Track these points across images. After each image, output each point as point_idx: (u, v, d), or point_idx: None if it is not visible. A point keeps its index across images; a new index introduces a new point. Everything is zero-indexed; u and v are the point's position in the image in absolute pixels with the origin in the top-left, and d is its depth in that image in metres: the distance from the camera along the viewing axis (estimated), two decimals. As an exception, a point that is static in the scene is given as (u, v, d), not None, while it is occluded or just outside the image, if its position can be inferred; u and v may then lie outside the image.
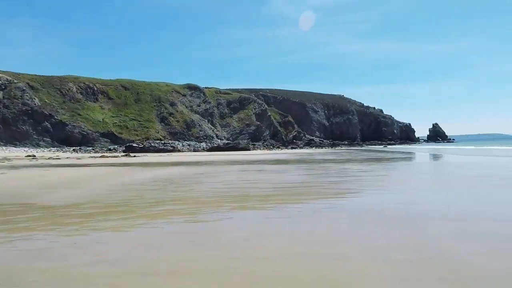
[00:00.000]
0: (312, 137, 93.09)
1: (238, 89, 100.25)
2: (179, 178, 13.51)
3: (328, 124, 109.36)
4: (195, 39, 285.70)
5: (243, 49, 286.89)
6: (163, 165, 22.44)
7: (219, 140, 69.06)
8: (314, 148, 74.89)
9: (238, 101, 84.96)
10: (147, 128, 65.63)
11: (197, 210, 6.76)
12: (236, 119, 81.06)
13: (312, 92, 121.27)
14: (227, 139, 72.54)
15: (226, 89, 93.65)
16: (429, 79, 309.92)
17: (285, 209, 6.67)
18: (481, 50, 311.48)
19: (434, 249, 4.16)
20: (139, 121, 66.60)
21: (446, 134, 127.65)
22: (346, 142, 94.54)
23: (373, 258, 3.83)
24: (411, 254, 4.00)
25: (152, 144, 56.44)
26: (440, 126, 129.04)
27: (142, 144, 55.72)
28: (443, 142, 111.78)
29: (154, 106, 70.58)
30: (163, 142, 60.32)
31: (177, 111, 71.39)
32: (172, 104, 72.33)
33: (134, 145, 53.82)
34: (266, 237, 4.78)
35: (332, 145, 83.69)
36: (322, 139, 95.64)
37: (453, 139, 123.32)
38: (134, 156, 38.44)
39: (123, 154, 43.11)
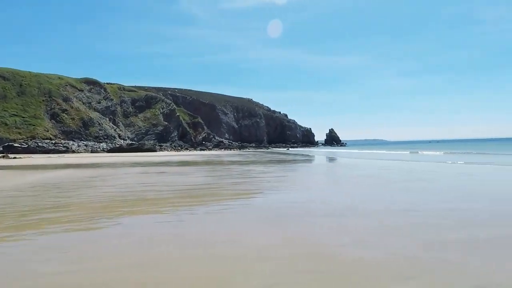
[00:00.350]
0: (221, 139, 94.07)
1: (145, 87, 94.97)
2: (67, 182, 12.08)
3: (237, 126, 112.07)
4: (96, 30, 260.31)
5: (151, 46, 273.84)
6: (51, 167, 19.77)
7: (122, 141, 64.17)
8: (223, 149, 75.77)
9: (145, 100, 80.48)
10: (34, 125, 56.91)
11: (82, 217, 6.14)
12: (142, 119, 76.61)
13: (222, 94, 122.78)
14: (131, 140, 67.96)
15: (131, 86, 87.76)
16: (328, 88, 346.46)
17: (179, 212, 6.57)
18: (369, 66, 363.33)
19: (312, 244, 4.63)
20: (23, 118, 57.30)
21: (340, 138, 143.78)
22: (254, 144, 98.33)
23: (259, 256, 4.06)
24: (293, 250, 4.37)
25: (39, 144, 49.31)
26: (336, 132, 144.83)
27: (26, 144, 48.14)
28: (337, 146, 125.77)
29: (43, 101, 61.70)
30: (53, 142, 53.23)
31: (72, 108, 63.81)
32: (66, 100, 64.34)
33: (16, 145, 46.15)
34: (154, 242, 4.62)
35: (241, 147, 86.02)
36: (231, 141, 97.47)
37: (345, 143, 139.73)
38: (15, 157, 32.95)
39: (0, 155, 36.51)
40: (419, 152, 42.37)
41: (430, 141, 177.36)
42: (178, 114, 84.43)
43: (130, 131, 72.43)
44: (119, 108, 74.17)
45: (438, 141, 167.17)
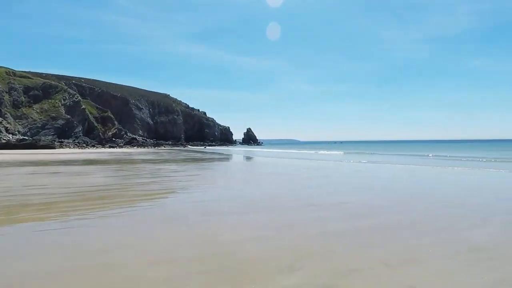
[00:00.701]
0: (134, 136, 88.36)
1: (42, 73, 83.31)
2: None
3: (152, 122, 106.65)
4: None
5: (54, 27, 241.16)
6: None
7: (10, 135, 55.13)
8: (136, 147, 71.40)
9: (42, 88, 70.54)
10: None
11: None
12: (38, 110, 66.99)
13: (137, 88, 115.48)
14: (23, 135, 58.94)
15: (24, 72, 75.97)
16: (247, 89, 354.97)
17: (70, 218, 5.89)
18: (284, 71, 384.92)
19: (212, 243, 4.62)
20: None
21: (257, 138, 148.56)
22: (170, 142, 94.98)
23: (154, 261, 3.89)
24: (191, 250, 4.29)
25: None
26: (253, 131, 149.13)
27: None
28: (254, 145, 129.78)
29: None
30: None
31: None
32: None
33: None
34: (32, 254, 4.04)
35: (156, 145, 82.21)
36: (145, 138, 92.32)
37: (262, 143, 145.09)
38: None
39: None
40: (321, 151, 46.61)
41: (335, 142, 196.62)
42: (84, 107, 76.21)
43: (22, 124, 62.60)
44: (6, 97, 63.42)
45: (342, 142, 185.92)
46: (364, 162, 23.24)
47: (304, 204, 7.43)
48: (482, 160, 23.65)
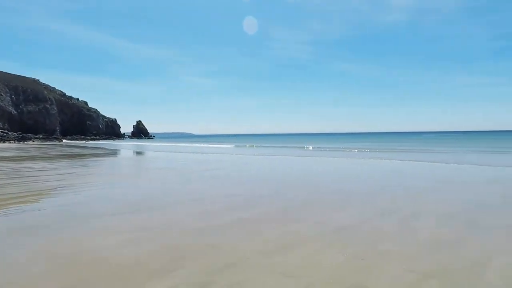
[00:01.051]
0: (-10, 128, 72.42)
1: None
2: None
3: (16, 112, 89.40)
4: None
5: None
6: None
7: None
8: (-8, 142, 58.77)
9: None
10: None
11: None
12: None
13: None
14: None
15: None
16: (136, 78, 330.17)
17: None
18: (177, 61, 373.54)
19: (75, 252, 4.03)
20: None
21: (148, 131, 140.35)
22: (42, 136, 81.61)
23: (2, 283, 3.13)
24: (48, 264, 3.63)
25: None
26: (144, 124, 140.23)
27: None
28: (145, 138, 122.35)
29: None
30: None
31: None
32: None
33: None
34: None
35: (22, 139, 69.50)
36: (6, 131, 76.72)
37: (154, 136, 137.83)
38: None
39: None
40: (213, 145, 47.39)
41: (228, 135, 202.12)
42: None
43: None
44: None
45: (235, 136, 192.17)
46: (251, 155, 24.41)
47: (189, 199, 7.25)
48: (352, 150, 27.69)
